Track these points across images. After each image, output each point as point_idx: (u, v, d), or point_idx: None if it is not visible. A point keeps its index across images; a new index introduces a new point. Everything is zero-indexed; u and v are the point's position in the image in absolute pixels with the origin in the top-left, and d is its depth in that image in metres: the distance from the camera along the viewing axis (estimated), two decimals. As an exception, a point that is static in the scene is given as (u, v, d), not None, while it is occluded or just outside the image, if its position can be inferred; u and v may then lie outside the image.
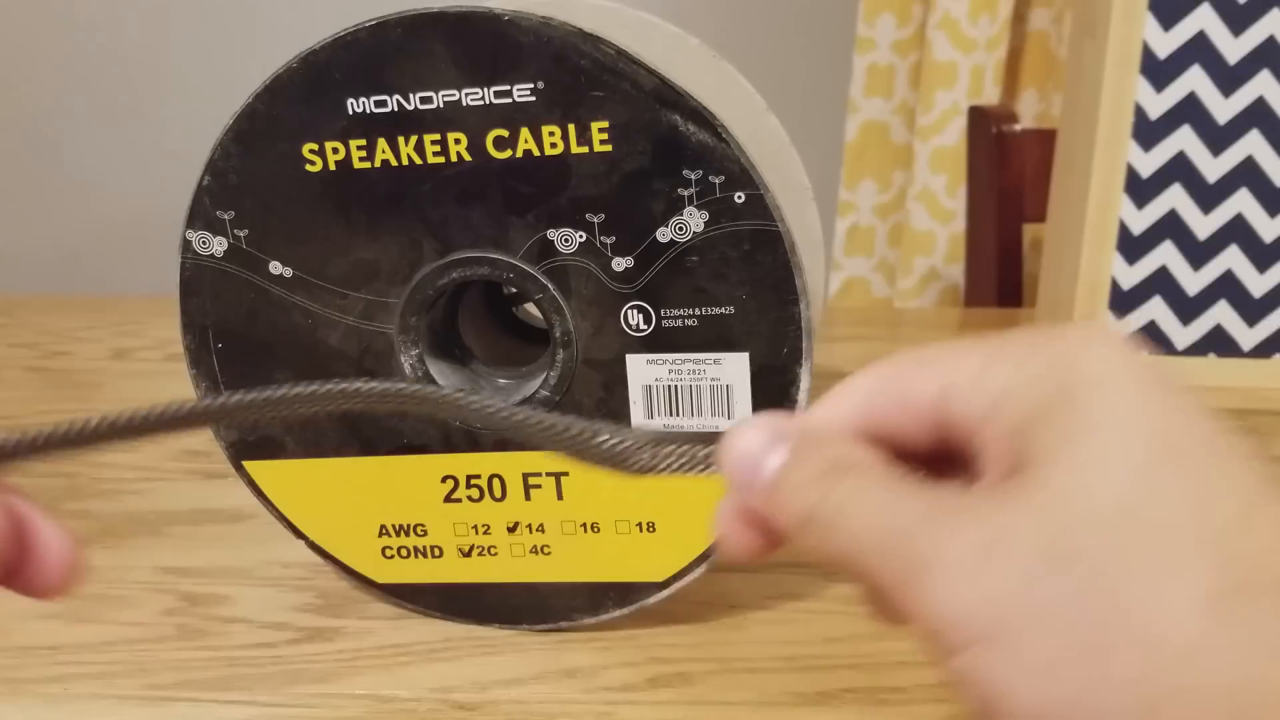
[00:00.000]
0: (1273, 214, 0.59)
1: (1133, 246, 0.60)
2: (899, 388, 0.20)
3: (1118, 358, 0.18)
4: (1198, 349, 0.61)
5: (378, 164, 0.33)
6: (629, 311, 0.34)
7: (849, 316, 0.86)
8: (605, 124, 0.32)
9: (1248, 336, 0.61)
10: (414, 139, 0.32)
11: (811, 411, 0.21)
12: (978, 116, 0.90)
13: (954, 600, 0.17)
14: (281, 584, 0.41)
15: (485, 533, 0.37)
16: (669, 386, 0.34)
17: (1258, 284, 0.60)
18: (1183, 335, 0.61)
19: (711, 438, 0.21)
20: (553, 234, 0.33)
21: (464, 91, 0.32)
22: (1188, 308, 0.61)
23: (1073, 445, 0.17)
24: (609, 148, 0.32)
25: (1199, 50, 0.57)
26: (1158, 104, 0.58)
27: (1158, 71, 0.57)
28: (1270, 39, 0.56)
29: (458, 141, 0.32)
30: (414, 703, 0.34)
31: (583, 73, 0.31)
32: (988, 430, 0.19)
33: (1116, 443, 0.17)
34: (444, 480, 0.37)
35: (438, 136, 0.32)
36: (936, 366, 0.20)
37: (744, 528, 0.21)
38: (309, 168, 0.33)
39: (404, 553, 0.38)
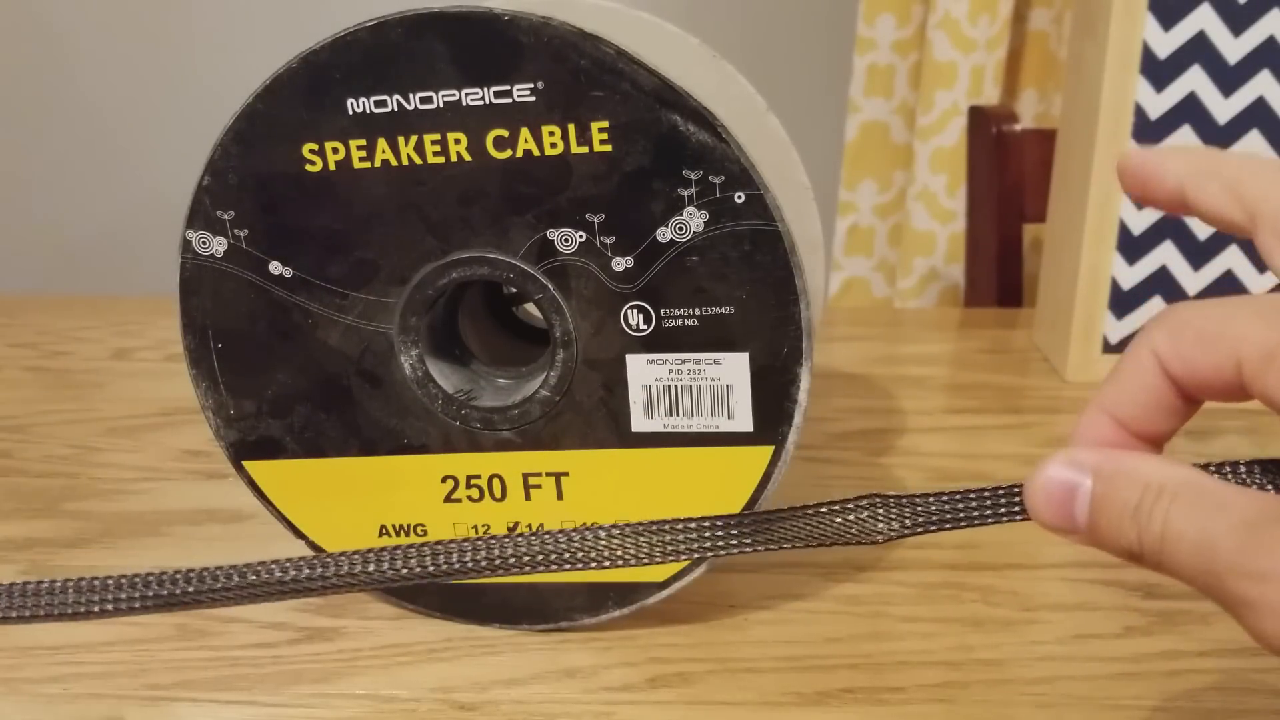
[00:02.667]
0: (1273, 214, 0.59)
1: (1133, 246, 0.60)
2: (1188, 363, 0.20)
3: None
4: (1198, 349, 0.61)
5: (378, 164, 0.33)
6: (629, 311, 0.34)
7: (849, 316, 0.86)
8: (605, 124, 0.32)
9: (1248, 336, 0.61)
10: (414, 139, 0.32)
11: (1108, 398, 0.21)
12: (978, 116, 0.90)
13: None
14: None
15: (485, 533, 0.37)
16: (669, 386, 0.34)
17: (1257, 284, 0.60)
18: (1183, 335, 0.61)
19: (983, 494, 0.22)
20: (553, 234, 0.33)
21: (464, 91, 0.32)
22: (1188, 308, 0.61)
23: None
24: (609, 148, 0.32)
25: (1199, 50, 0.57)
26: (1158, 104, 0.58)
27: (1158, 71, 0.57)
28: (1270, 39, 0.56)
29: (458, 141, 0.32)
30: (414, 703, 0.34)
31: (583, 73, 0.31)
32: None
33: None
34: (444, 480, 0.37)
35: (438, 136, 0.32)
36: (1220, 346, 0.20)
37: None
38: (309, 168, 0.33)
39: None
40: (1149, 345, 0.21)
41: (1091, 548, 0.21)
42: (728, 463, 0.35)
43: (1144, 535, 0.19)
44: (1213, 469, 0.21)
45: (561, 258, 0.33)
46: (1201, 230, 0.59)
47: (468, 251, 0.34)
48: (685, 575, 0.36)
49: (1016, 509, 0.22)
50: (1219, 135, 0.58)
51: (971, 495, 0.23)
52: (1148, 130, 0.58)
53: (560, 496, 0.36)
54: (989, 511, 0.23)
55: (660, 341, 0.34)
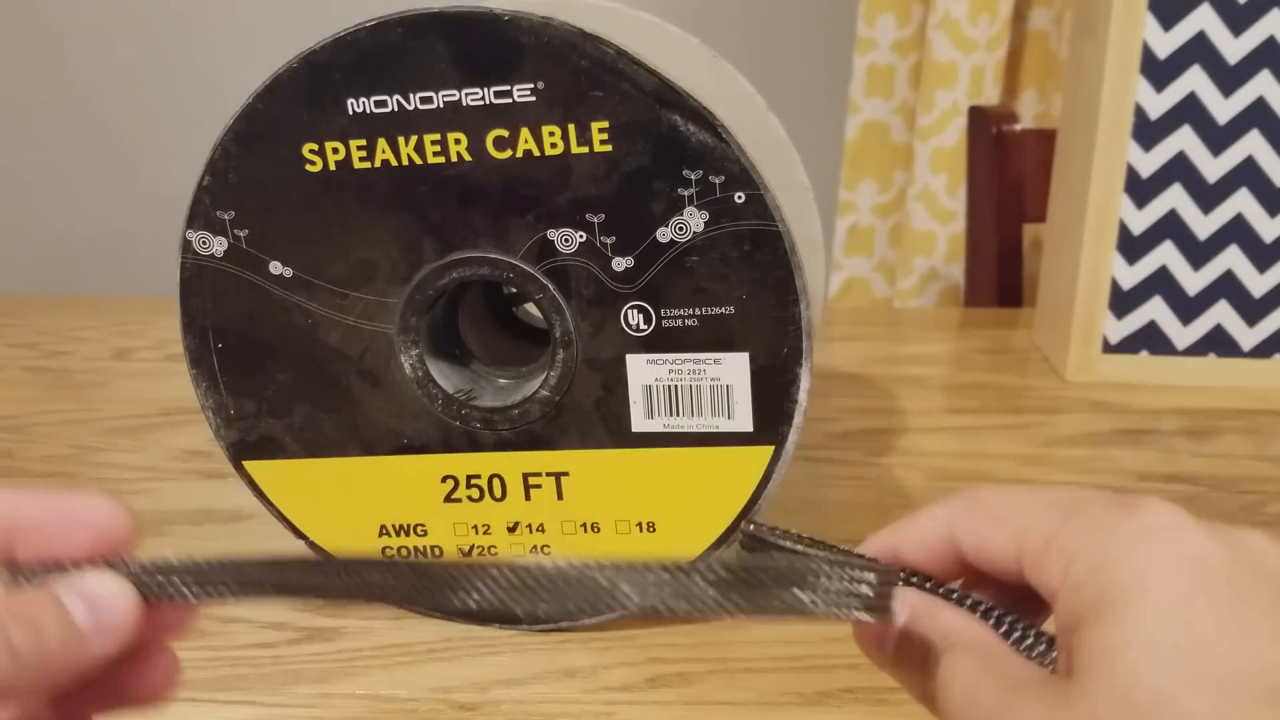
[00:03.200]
0: (1273, 214, 0.59)
1: (1133, 246, 0.60)
2: (977, 538, 0.22)
3: (1169, 562, 0.19)
4: (1198, 349, 0.61)
5: (378, 164, 0.33)
6: (629, 311, 0.34)
7: (849, 316, 0.86)
8: (605, 124, 0.32)
9: (1248, 336, 0.61)
10: (414, 139, 0.32)
11: (898, 537, 0.23)
12: (978, 116, 0.90)
13: None
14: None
15: (485, 533, 0.37)
16: (669, 386, 0.34)
17: (1258, 284, 0.60)
18: (1183, 335, 0.61)
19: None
20: (553, 234, 0.33)
21: (464, 91, 0.32)
22: (1188, 308, 0.61)
23: (1107, 667, 0.18)
24: (609, 148, 0.32)
25: (1199, 50, 0.57)
26: (1158, 104, 0.58)
27: (1158, 71, 0.57)
28: (1270, 39, 0.56)
29: (458, 141, 0.32)
30: (414, 703, 0.34)
31: (583, 73, 0.31)
32: (1055, 607, 0.20)
33: (1144, 670, 0.18)
34: (444, 480, 0.37)
35: (438, 136, 0.32)
36: (1007, 527, 0.21)
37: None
38: (309, 168, 0.33)
39: (404, 552, 0.38)
40: (945, 512, 0.22)
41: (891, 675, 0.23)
42: (728, 463, 0.35)
43: (927, 676, 0.21)
44: (1012, 632, 0.22)
45: (561, 258, 0.33)
46: (1201, 230, 0.59)
47: (468, 251, 0.34)
48: (685, 575, 0.36)
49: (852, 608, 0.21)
50: (1219, 135, 0.58)
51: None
52: (1148, 130, 0.58)
53: (560, 496, 0.36)
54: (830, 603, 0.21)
55: (660, 341, 0.34)
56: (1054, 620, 0.20)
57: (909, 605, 0.22)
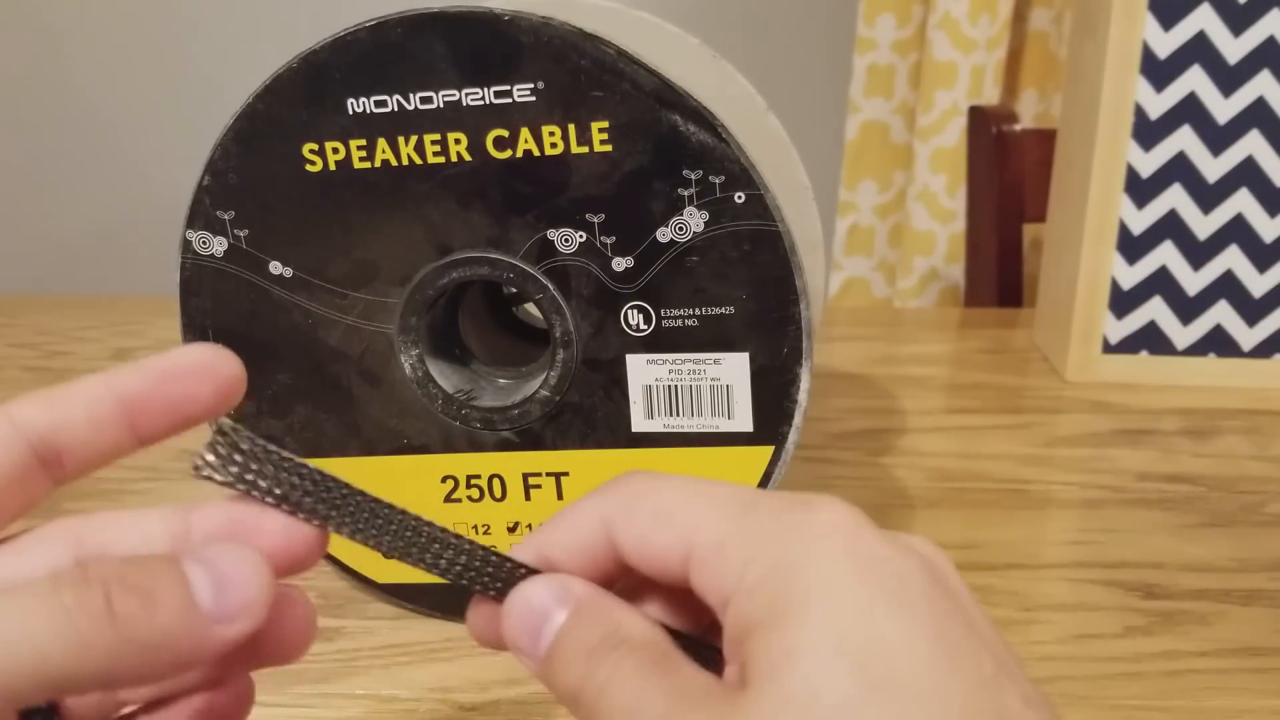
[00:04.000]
0: (1273, 214, 0.59)
1: (1133, 246, 0.60)
2: (639, 539, 0.20)
3: (841, 564, 0.18)
4: (1198, 349, 0.61)
5: (378, 164, 0.33)
6: (629, 311, 0.34)
7: (849, 316, 0.86)
8: (605, 124, 0.32)
9: (1248, 336, 0.61)
10: (414, 139, 0.32)
11: (545, 539, 0.21)
12: (978, 116, 0.90)
13: None
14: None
15: (485, 533, 0.37)
16: (669, 386, 0.34)
17: (1258, 284, 0.60)
18: (1183, 335, 0.61)
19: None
20: (553, 234, 0.33)
21: (464, 91, 0.32)
22: (1188, 308, 0.61)
23: (780, 674, 0.17)
24: (609, 148, 0.32)
25: (1199, 50, 0.57)
26: (1158, 104, 0.58)
27: (1158, 71, 0.57)
28: (1270, 39, 0.56)
29: (458, 141, 0.32)
30: (414, 703, 0.34)
31: (583, 73, 0.31)
32: (723, 616, 0.19)
33: (819, 676, 0.17)
34: (444, 480, 0.37)
35: (438, 136, 0.32)
36: (675, 528, 0.19)
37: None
38: (309, 168, 0.33)
39: (404, 553, 0.38)
40: (599, 509, 0.20)
41: (541, 677, 0.20)
42: (728, 463, 0.35)
43: (588, 679, 0.19)
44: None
45: (561, 258, 0.33)
46: (1202, 230, 0.59)
47: (468, 251, 0.34)
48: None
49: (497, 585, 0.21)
50: (1219, 135, 0.58)
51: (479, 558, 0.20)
52: (1148, 130, 0.58)
53: (560, 496, 0.36)
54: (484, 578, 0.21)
55: (660, 341, 0.34)
56: (725, 629, 0.19)
57: (576, 597, 0.20)
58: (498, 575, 0.21)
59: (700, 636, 0.21)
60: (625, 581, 0.21)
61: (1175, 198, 0.59)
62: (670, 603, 0.21)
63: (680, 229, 0.32)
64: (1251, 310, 0.60)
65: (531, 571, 0.21)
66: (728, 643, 0.19)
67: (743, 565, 0.19)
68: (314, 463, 0.21)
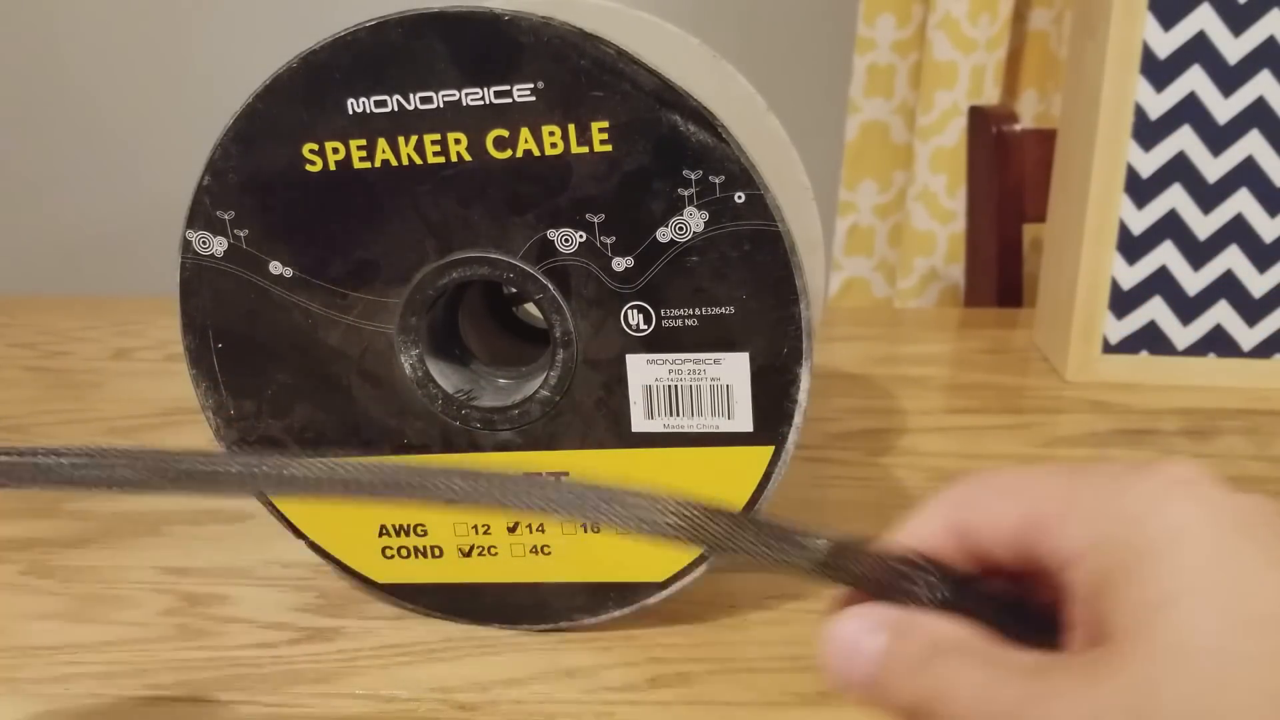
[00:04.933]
0: (1273, 214, 0.59)
1: (1133, 246, 0.60)
2: (981, 514, 0.21)
3: (1198, 510, 0.18)
4: (1198, 349, 0.61)
5: (378, 164, 0.33)
6: (629, 311, 0.34)
7: (849, 316, 0.86)
8: (605, 124, 0.32)
9: (1248, 336, 0.61)
10: (414, 139, 0.32)
11: (899, 534, 0.22)
12: (978, 116, 0.90)
13: None
14: (281, 584, 0.41)
15: (485, 533, 0.37)
16: (669, 386, 0.34)
17: (1258, 284, 0.60)
18: (1183, 335, 0.61)
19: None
20: (553, 234, 0.33)
21: (464, 91, 0.32)
22: (1188, 308, 0.61)
23: (1151, 624, 0.17)
24: (609, 148, 0.32)
25: (1199, 50, 0.57)
26: (1158, 104, 0.58)
27: (1158, 71, 0.57)
28: (1270, 39, 0.56)
29: (458, 141, 0.32)
30: (414, 703, 0.34)
31: (583, 73, 0.31)
32: (1070, 578, 0.19)
33: (1195, 622, 0.17)
34: (444, 480, 0.37)
35: (438, 136, 0.32)
36: (1018, 497, 0.20)
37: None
38: (309, 168, 0.33)
39: (404, 553, 0.38)
40: (940, 505, 0.21)
41: (872, 703, 0.21)
42: (728, 463, 0.35)
43: (926, 689, 0.19)
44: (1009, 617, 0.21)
45: (561, 258, 0.33)
46: (1202, 230, 0.59)
47: (468, 251, 0.34)
48: (685, 575, 0.36)
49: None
50: (1219, 135, 0.58)
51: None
52: (1148, 130, 0.58)
53: (560, 496, 0.36)
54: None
55: (660, 341, 0.34)
56: (1073, 591, 0.19)
57: (887, 624, 0.20)
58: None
59: (1024, 599, 0.21)
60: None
61: (1175, 198, 0.59)
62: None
63: (680, 229, 0.32)
64: (1251, 310, 0.60)
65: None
66: (1079, 604, 0.19)
67: (1088, 524, 0.19)
68: (313, 462, 0.21)
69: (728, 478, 0.35)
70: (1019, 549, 0.20)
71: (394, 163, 0.33)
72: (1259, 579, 0.17)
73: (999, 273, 0.88)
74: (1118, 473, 0.19)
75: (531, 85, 0.31)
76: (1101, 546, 0.18)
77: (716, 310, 0.33)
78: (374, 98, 0.32)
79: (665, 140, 0.31)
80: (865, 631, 0.21)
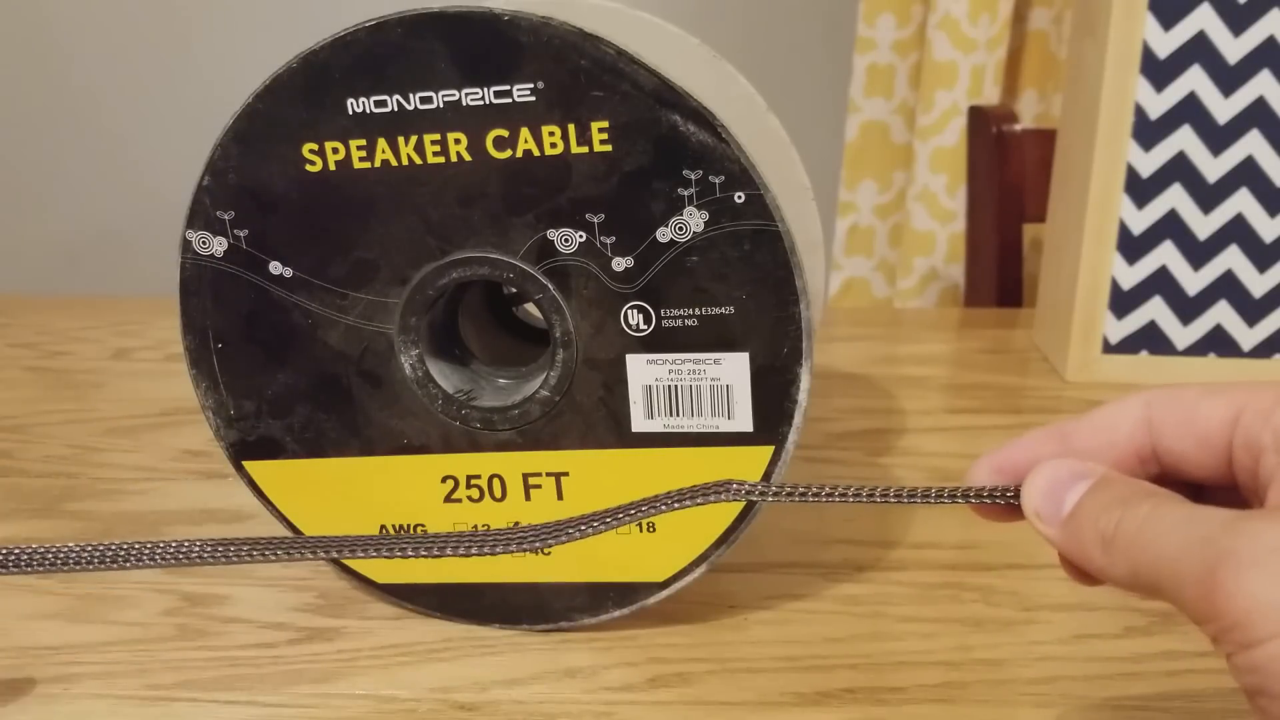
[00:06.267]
0: (1273, 214, 0.59)
1: (1133, 246, 0.60)
2: (1186, 410, 0.22)
3: None
4: (1198, 349, 0.61)
5: (378, 164, 0.33)
6: (629, 311, 0.34)
7: (849, 316, 0.86)
8: (605, 124, 0.32)
9: (1248, 336, 0.61)
10: (414, 139, 0.32)
11: (1090, 420, 0.23)
12: (978, 116, 0.90)
13: (1259, 593, 0.18)
14: (281, 584, 0.41)
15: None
16: (669, 386, 0.34)
17: (1258, 284, 0.60)
18: (1183, 335, 0.61)
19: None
20: (553, 234, 0.33)
21: (464, 91, 0.32)
22: (1188, 308, 0.61)
23: None
24: (609, 148, 0.32)
25: (1199, 50, 0.57)
26: (1158, 104, 0.58)
27: (1158, 71, 0.57)
28: (1270, 39, 0.56)
29: (458, 141, 0.32)
30: (414, 703, 0.34)
31: (583, 73, 0.31)
32: (1268, 462, 0.20)
33: None
34: (444, 480, 0.37)
35: (438, 136, 0.32)
36: (1229, 395, 0.22)
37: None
38: (309, 168, 0.33)
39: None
40: (1144, 398, 0.23)
41: (1058, 546, 0.22)
42: (728, 463, 0.35)
43: (1128, 516, 0.21)
44: None
45: (561, 258, 0.33)
46: (1201, 230, 0.59)
47: (468, 251, 0.34)
48: (685, 575, 0.36)
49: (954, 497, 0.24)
50: (1219, 135, 0.58)
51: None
52: (1148, 130, 0.58)
53: (560, 497, 0.36)
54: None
55: (660, 341, 0.34)
56: (1268, 474, 0.20)
57: (1098, 471, 0.22)
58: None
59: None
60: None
61: (1175, 198, 0.59)
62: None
63: (680, 229, 0.32)
64: (1251, 310, 0.60)
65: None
66: (1276, 482, 0.20)
67: None
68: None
69: (728, 477, 0.35)
70: (1218, 444, 0.21)
71: (394, 163, 0.33)
72: None
73: (999, 273, 0.88)
74: None
75: (531, 85, 0.31)
76: None
77: (716, 310, 0.33)
78: (374, 98, 0.32)
79: (665, 140, 0.31)
80: (1068, 477, 0.22)
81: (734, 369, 0.34)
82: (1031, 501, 0.23)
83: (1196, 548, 0.19)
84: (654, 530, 0.36)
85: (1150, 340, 0.61)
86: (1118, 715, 0.33)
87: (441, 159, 0.33)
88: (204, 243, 0.35)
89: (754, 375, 0.34)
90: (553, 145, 0.32)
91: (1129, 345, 0.61)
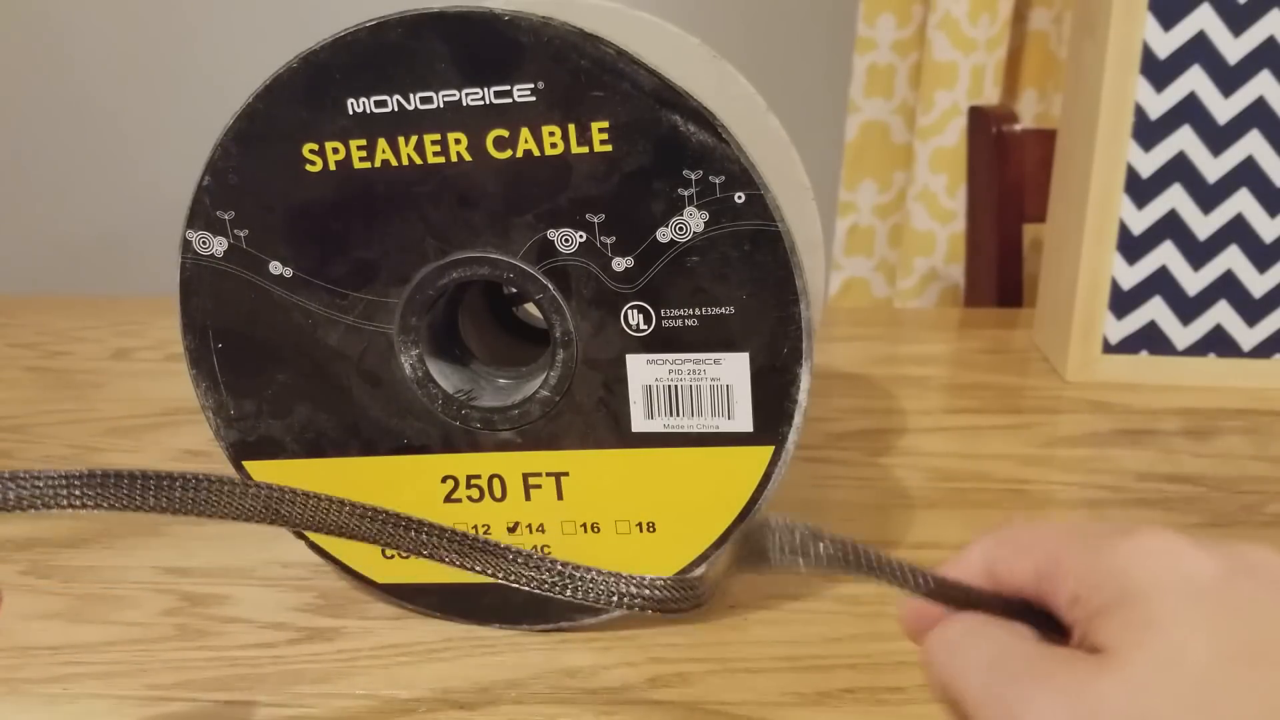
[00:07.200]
0: (1273, 214, 0.59)
1: (1133, 246, 0.60)
2: (1004, 566, 0.24)
3: (1168, 572, 0.20)
4: (1198, 349, 0.61)
5: (378, 164, 0.33)
6: (629, 311, 0.34)
7: (849, 316, 0.86)
8: (605, 124, 0.32)
9: (1248, 336, 0.61)
10: (414, 139, 0.32)
11: (948, 570, 0.25)
12: (978, 116, 0.90)
13: None
14: (281, 584, 0.41)
15: (485, 533, 0.37)
16: (669, 386, 0.34)
17: (1258, 284, 0.60)
18: (1183, 335, 0.61)
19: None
20: (553, 234, 0.33)
21: (464, 91, 0.32)
22: (1188, 308, 0.61)
23: (1143, 640, 0.19)
24: (609, 148, 0.32)
25: (1199, 50, 0.57)
26: (1158, 104, 0.58)
27: (1158, 71, 0.57)
28: (1270, 39, 0.56)
29: (458, 141, 0.32)
30: (414, 703, 0.34)
31: (583, 73, 0.31)
32: (1072, 617, 0.22)
33: (1183, 641, 0.19)
34: (444, 480, 0.37)
35: (438, 136, 0.32)
36: (1031, 553, 0.23)
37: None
38: (309, 168, 0.33)
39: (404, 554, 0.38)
40: (983, 546, 0.24)
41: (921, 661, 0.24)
42: (728, 463, 0.35)
43: (946, 666, 0.22)
44: None
45: (561, 258, 0.33)
46: (1202, 230, 0.59)
47: (468, 251, 0.34)
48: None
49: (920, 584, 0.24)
50: (1219, 135, 0.58)
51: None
52: (1148, 130, 0.58)
53: (560, 496, 0.36)
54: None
55: (660, 341, 0.34)
56: (1075, 628, 0.21)
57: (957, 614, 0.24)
58: None
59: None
60: None
61: (1175, 198, 0.59)
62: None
63: (680, 229, 0.32)
64: (1251, 310, 0.60)
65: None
66: (1078, 637, 0.21)
67: (1087, 574, 0.22)
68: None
69: (728, 478, 0.35)
70: (1035, 595, 0.23)
71: (394, 163, 0.33)
72: (1233, 622, 0.19)
73: (999, 273, 0.88)
74: (1104, 533, 0.22)
75: (531, 85, 0.31)
76: (1096, 589, 0.21)
77: (716, 310, 0.33)
78: (374, 98, 0.32)
79: (665, 140, 0.31)
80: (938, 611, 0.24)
81: (734, 369, 0.34)
82: (905, 624, 0.25)
83: (998, 689, 0.20)
84: (654, 530, 0.36)
85: (1150, 340, 0.61)
86: (1118, 715, 0.33)
87: (441, 159, 0.33)
88: (204, 243, 0.35)
89: (754, 375, 0.34)
90: (553, 145, 0.32)
91: (1129, 345, 0.61)
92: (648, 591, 0.26)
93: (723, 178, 0.32)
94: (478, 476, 0.36)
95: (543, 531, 0.37)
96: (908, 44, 1.12)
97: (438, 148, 0.32)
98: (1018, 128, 0.87)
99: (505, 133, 0.32)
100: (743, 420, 0.34)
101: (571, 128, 0.32)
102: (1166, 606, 0.20)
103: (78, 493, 0.22)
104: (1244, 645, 0.19)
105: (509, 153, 0.32)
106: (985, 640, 0.22)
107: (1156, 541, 0.21)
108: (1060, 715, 0.19)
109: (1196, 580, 0.20)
